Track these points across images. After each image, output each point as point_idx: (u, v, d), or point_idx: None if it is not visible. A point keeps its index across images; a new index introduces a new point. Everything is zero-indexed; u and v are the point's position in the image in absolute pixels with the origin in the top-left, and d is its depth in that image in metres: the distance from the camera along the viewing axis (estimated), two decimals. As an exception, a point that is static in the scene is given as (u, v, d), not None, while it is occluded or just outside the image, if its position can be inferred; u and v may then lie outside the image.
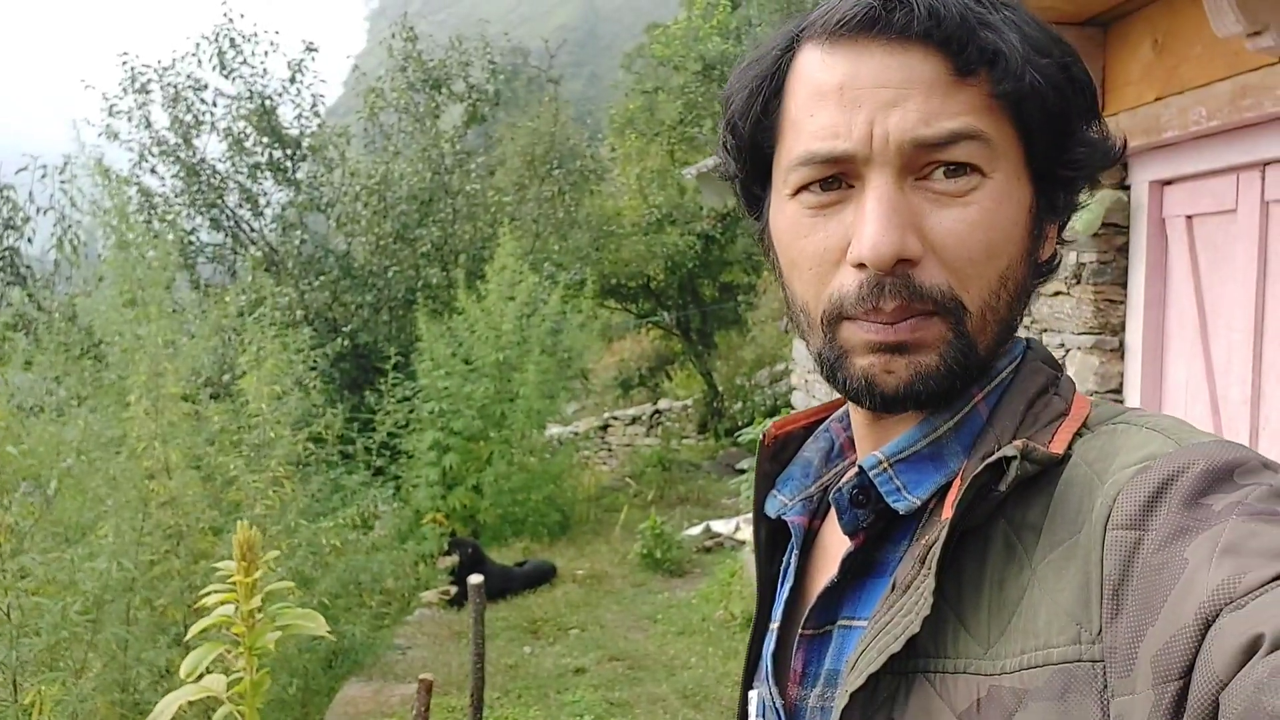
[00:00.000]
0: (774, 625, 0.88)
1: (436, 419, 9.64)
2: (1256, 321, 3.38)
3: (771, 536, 0.92)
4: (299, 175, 12.63)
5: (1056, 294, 4.30)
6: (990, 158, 0.73)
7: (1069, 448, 0.72)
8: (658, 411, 15.93)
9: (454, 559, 7.94)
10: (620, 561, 8.95)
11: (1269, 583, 0.54)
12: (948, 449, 0.77)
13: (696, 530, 9.74)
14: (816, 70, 0.75)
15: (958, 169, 0.73)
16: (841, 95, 0.73)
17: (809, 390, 7.28)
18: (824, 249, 0.76)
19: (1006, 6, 0.75)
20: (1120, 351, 4.04)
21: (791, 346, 9.00)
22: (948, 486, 0.75)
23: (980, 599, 0.69)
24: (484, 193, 13.05)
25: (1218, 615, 0.55)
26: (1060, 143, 0.76)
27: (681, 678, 6.19)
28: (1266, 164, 3.32)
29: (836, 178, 0.75)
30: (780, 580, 0.91)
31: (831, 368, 0.78)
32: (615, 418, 16.04)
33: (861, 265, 0.73)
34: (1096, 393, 4.08)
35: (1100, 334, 4.05)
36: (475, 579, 3.97)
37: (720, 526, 9.73)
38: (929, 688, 0.69)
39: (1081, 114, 0.77)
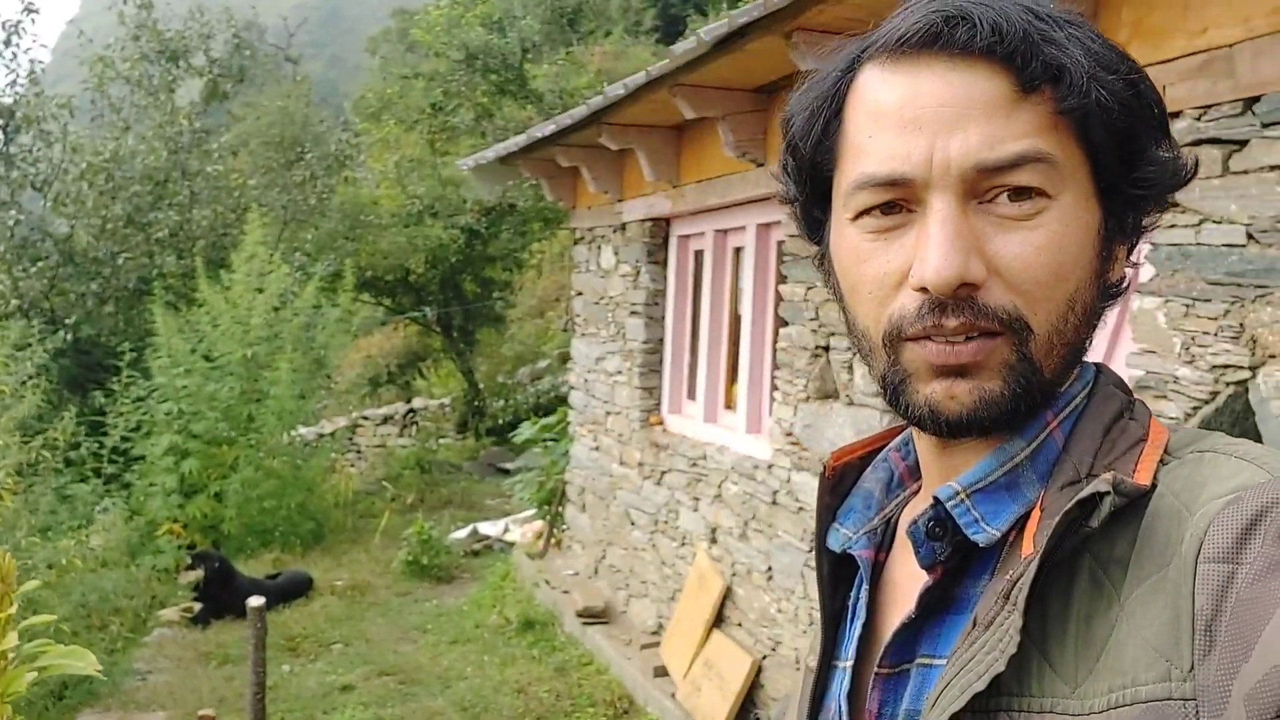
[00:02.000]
0: (845, 664, 0.84)
1: (174, 421, 8.82)
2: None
3: (832, 570, 0.88)
4: (11, 149, 11.23)
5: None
6: (1055, 180, 0.71)
7: (1155, 477, 0.70)
8: (412, 411, 15.40)
9: (198, 573, 7.28)
10: (383, 570, 8.53)
11: None
12: (1024, 478, 0.75)
13: (463, 533, 9.45)
14: (877, 90, 0.74)
15: (1022, 192, 0.71)
16: (902, 115, 0.72)
17: (589, 390, 7.20)
18: (884, 274, 0.74)
19: (1070, 23, 0.74)
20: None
21: (561, 343, 8.91)
22: (1025, 517, 0.73)
23: (1066, 636, 0.67)
24: (226, 175, 12.14)
25: None
26: (1128, 161, 0.74)
27: (458, 689, 5.94)
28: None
29: (897, 203, 0.73)
30: (850, 617, 0.87)
31: (895, 392, 0.76)
32: (365, 417, 15.36)
33: (923, 289, 0.71)
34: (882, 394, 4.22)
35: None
36: (255, 601, 3.59)
37: (488, 528, 9.50)
38: None
39: (1150, 131, 0.75)
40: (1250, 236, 2.71)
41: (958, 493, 0.74)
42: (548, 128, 6.07)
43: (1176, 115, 2.90)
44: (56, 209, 11.08)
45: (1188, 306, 2.89)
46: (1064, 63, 0.70)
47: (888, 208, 0.73)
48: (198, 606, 7.20)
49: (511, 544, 8.88)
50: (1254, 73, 2.69)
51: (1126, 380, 2.84)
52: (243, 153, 13.47)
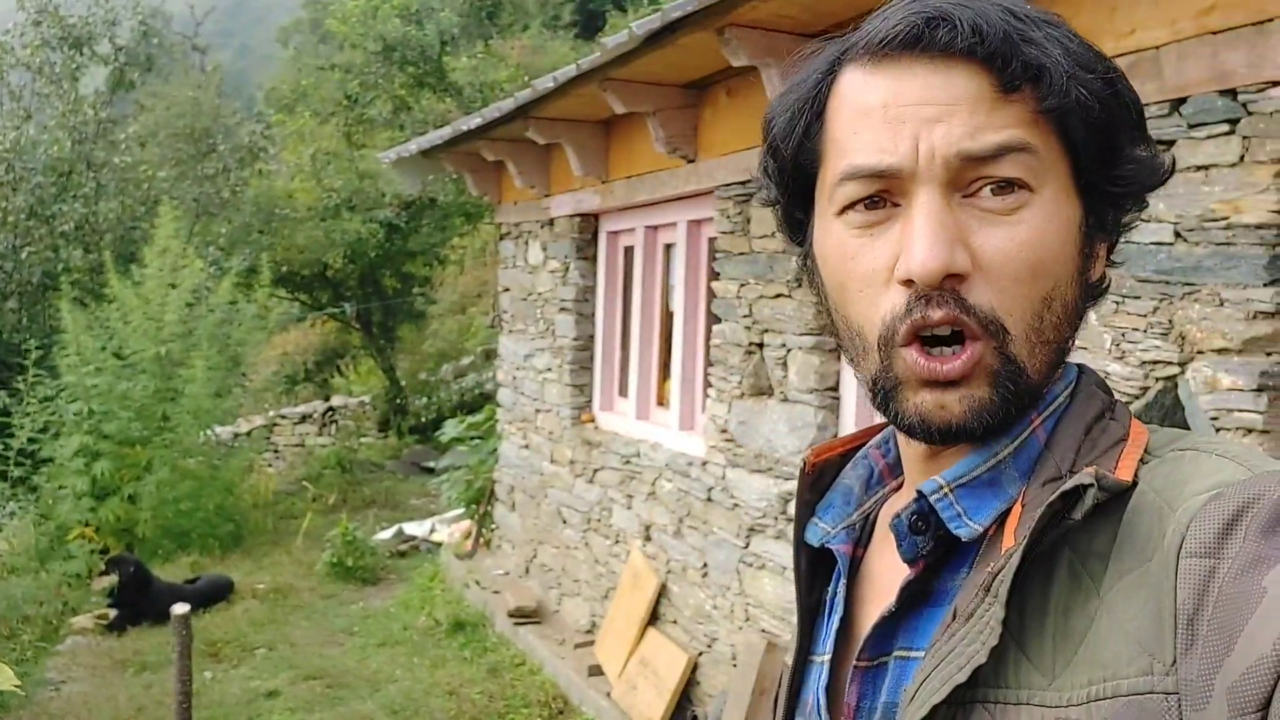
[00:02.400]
0: (823, 658, 0.84)
1: (84, 421, 8.50)
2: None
3: (810, 566, 0.89)
4: (-98, 137, 10.71)
5: (778, 296, 4.45)
6: (1038, 173, 0.73)
7: (1135, 474, 0.71)
8: (331, 409, 15.10)
9: (113, 578, 7.03)
10: (306, 573, 8.34)
11: None
12: (1006, 475, 0.76)
13: (388, 534, 9.30)
14: (860, 90, 0.75)
15: (1005, 186, 0.72)
16: (886, 113, 0.73)
17: (517, 388, 7.13)
18: (872, 270, 0.74)
19: (1049, 23, 0.75)
20: (838, 352, 4.23)
21: (484, 340, 8.83)
22: (1007, 513, 0.74)
23: (1044, 629, 0.68)
24: (135, 167, 11.74)
25: None
26: (1107, 159, 0.76)
27: (387, 692, 5.84)
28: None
29: (882, 197, 0.74)
30: (827, 611, 0.87)
31: (885, 398, 0.76)
32: (283, 416, 15.02)
33: (909, 282, 0.72)
34: (816, 390, 4.26)
35: (820, 335, 4.23)
36: (180, 608, 3.46)
37: (414, 529, 9.36)
38: (988, 718, 0.67)
39: (1128, 130, 0.77)
40: (1178, 235, 2.79)
41: (941, 487, 0.75)
42: (473, 121, 5.99)
43: (1107, 116, 2.97)
44: (-47, 201, 10.60)
45: (1118, 304, 2.96)
46: (1044, 62, 0.71)
47: (872, 202, 0.74)
48: (113, 613, 6.96)
49: (439, 544, 8.77)
50: (1179, 74, 2.76)
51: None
52: (151, 144, 13.03)
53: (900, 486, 0.88)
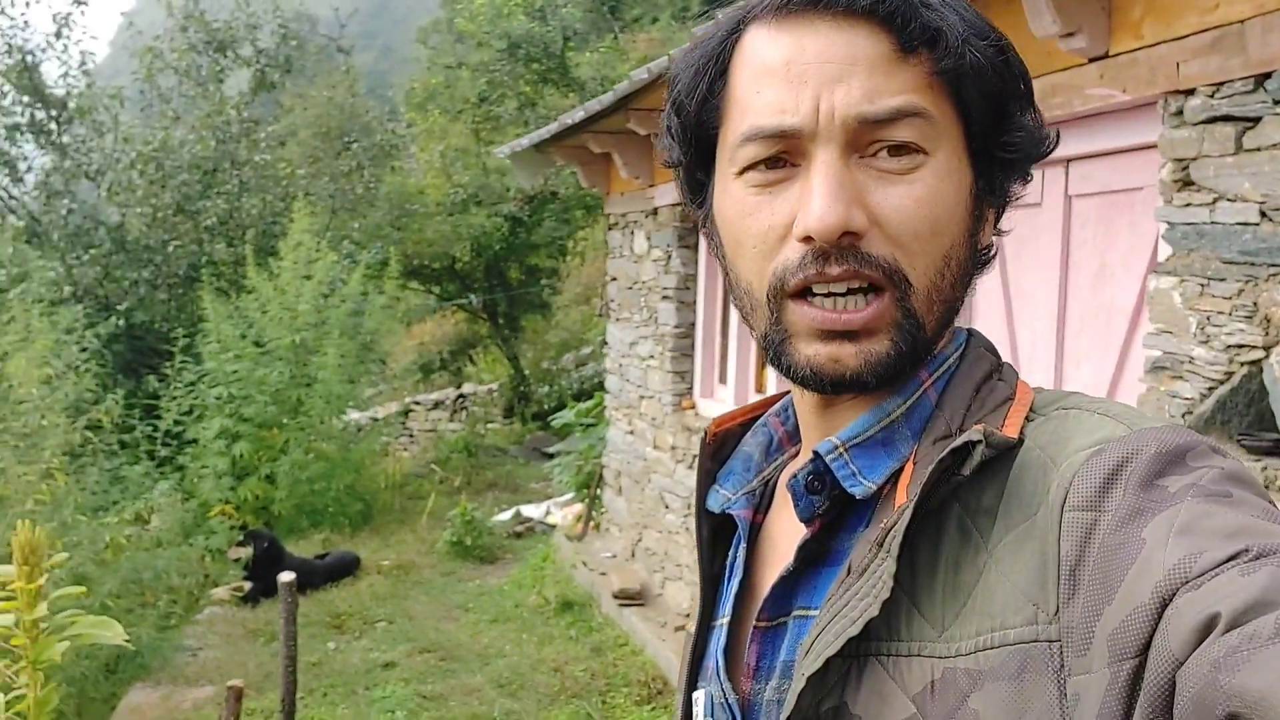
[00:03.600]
0: (723, 621, 0.86)
1: (225, 405, 9.04)
2: (1060, 309, 3.57)
3: (714, 533, 0.91)
4: (64, 139, 11.55)
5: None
6: (932, 136, 0.74)
7: (1022, 432, 0.72)
8: (461, 396, 15.59)
9: (248, 550, 7.47)
10: (428, 551, 8.69)
11: (1224, 563, 0.56)
12: (899, 434, 0.77)
13: (506, 516, 9.60)
14: (763, 48, 0.76)
15: (900, 149, 0.73)
16: (788, 71, 0.74)
17: (623, 375, 7.26)
18: (768, 226, 0.75)
19: None
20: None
21: (604, 330, 8.98)
22: (900, 471, 0.75)
23: (935, 582, 0.69)
24: (274, 165, 12.36)
25: (1174, 595, 0.56)
26: (998, 125, 0.77)
27: (496, 666, 6.06)
28: (1070, 160, 3.51)
29: (781, 157, 0.75)
30: (727, 576, 0.88)
31: (776, 351, 0.77)
32: (417, 403, 15.57)
33: (808, 239, 0.72)
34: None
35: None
36: (286, 576, 3.72)
37: (530, 511, 9.62)
38: (881, 670, 0.69)
39: (1017, 98, 0.78)
40: (1264, 215, 2.69)
41: (836, 447, 0.76)
42: (577, 114, 6.13)
43: (1190, 93, 2.87)
44: (109, 198, 11.37)
45: (1203, 286, 2.86)
46: (941, 25, 0.73)
47: (772, 163, 0.75)
48: (248, 586, 7.39)
49: (553, 526, 9.00)
50: (1265, 48, 2.66)
51: (1144, 361, 2.83)
52: (291, 142, 13.68)
53: (799, 454, 0.88)
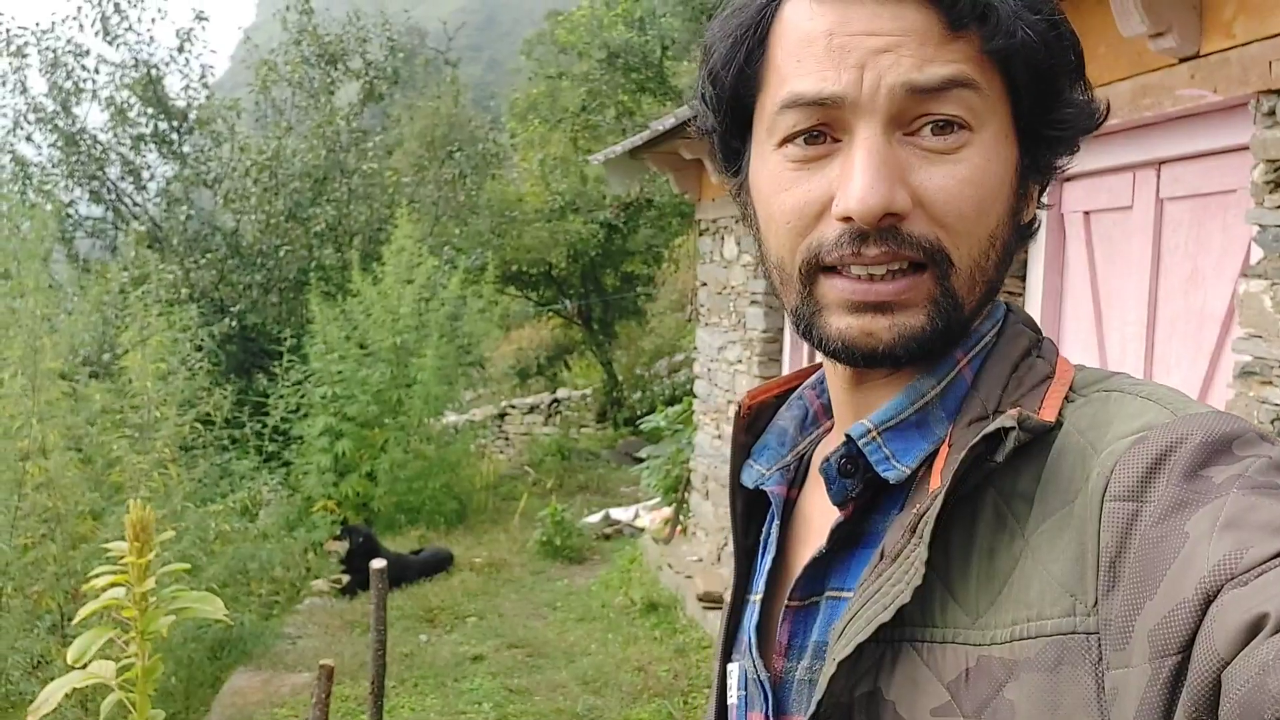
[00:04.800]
0: (755, 597, 0.85)
1: (329, 404, 9.38)
2: (1150, 314, 3.50)
3: (747, 508, 0.90)
4: (185, 149, 12.14)
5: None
6: (979, 112, 0.71)
7: (1060, 414, 0.70)
8: (556, 400, 15.82)
9: (344, 544, 7.73)
10: (519, 550, 8.86)
11: (1271, 559, 0.53)
12: (933, 416, 0.75)
13: (596, 518, 9.72)
14: (804, 18, 0.73)
15: (946, 125, 0.71)
16: (830, 41, 0.71)
17: (711, 379, 7.31)
18: (804, 202, 0.73)
19: None
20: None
21: (692, 337, 9.03)
22: (935, 454, 0.74)
23: (969, 569, 0.68)
24: (381, 173, 12.76)
25: (1219, 591, 0.54)
26: (1047, 102, 0.75)
27: (581, 664, 6.15)
28: (1162, 163, 3.44)
29: (822, 132, 0.72)
30: (760, 552, 0.88)
31: (807, 325, 0.76)
32: (513, 406, 15.86)
33: (847, 219, 0.70)
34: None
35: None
36: (378, 563, 3.86)
37: (619, 514, 9.73)
38: (915, 657, 0.68)
39: (1068, 73, 0.76)
40: (1359, 215, 2.61)
41: (869, 430, 0.75)
42: (668, 121, 6.20)
43: (1284, 92, 2.80)
44: (226, 205, 11.90)
45: (1296, 288, 2.79)
46: (991, 2, 0.70)
47: (812, 137, 0.73)
48: (346, 579, 7.63)
49: (641, 529, 9.08)
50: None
51: (1233, 366, 2.76)
52: (397, 151, 14.08)
53: (833, 428, 0.86)
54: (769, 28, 0.76)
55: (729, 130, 0.81)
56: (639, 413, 14.22)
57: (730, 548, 5.23)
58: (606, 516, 9.71)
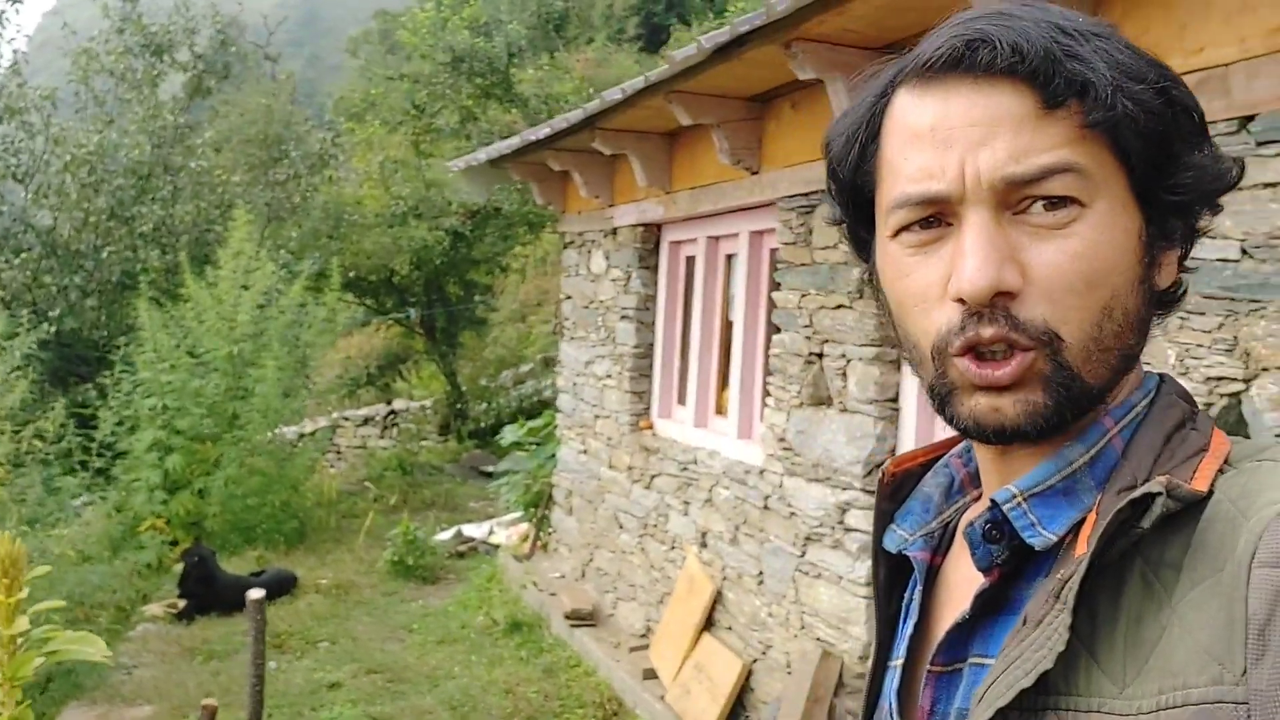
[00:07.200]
0: (897, 662, 0.86)
1: (158, 416, 8.78)
2: None
3: (890, 574, 0.91)
4: (-9, 139, 11.16)
5: (839, 307, 4.50)
6: (1088, 188, 0.73)
7: (1212, 485, 0.70)
8: (393, 412, 15.37)
9: (178, 567, 7.26)
10: (367, 570, 8.53)
11: None
12: (1081, 483, 0.76)
13: (447, 535, 9.46)
14: (909, 113, 0.77)
15: (1056, 202, 0.73)
16: (934, 136, 0.75)
17: (577, 394, 7.24)
18: (925, 285, 0.76)
19: (1099, 36, 0.75)
20: (898, 363, 4.26)
21: (543, 347, 8.95)
22: (1082, 522, 0.74)
23: (1115, 637, 0.68)
24: (210, 172, 12.10)
25: None
26: (1163, 168, 0.76)
27: (446, 688, 5.96)
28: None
29: (935, 217, 0.76)
30: (903, 617, 0.88)
31: (941, 403, 0.78)
32: (346, 418, 15.32)
33: (961, 300, 0.73)
34: (876, 401, 4.29)
35: (881, 346, 4.26)
36: (256, 594, 3.61)
37: (472, 530, 9.51)
38: None
39: (1185, 137, 0.76)
40: (1244, 252, 2.80)
41: (1015, 496, 0.75)
42: (541, 131, 6.11)
43: (1174, 133, 2.98)
44: (37, 200, 11.01)
45: (1183, 320, 2.97)
46: (1088, 77, 0.71)
47: (926, 222, 0.76)
48: (182, 603, 7.17)
49: (496, 546, 8.90)
50: (1248, 92, 2.78)
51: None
52: (225, 149, 13.41)
53: (980, 497, 0.87)
54: (880, 123, 0.80)
55: (855, 221, 0.86)
56: (484, 425, 13.99)
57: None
58: (459, 534, 9.47)
